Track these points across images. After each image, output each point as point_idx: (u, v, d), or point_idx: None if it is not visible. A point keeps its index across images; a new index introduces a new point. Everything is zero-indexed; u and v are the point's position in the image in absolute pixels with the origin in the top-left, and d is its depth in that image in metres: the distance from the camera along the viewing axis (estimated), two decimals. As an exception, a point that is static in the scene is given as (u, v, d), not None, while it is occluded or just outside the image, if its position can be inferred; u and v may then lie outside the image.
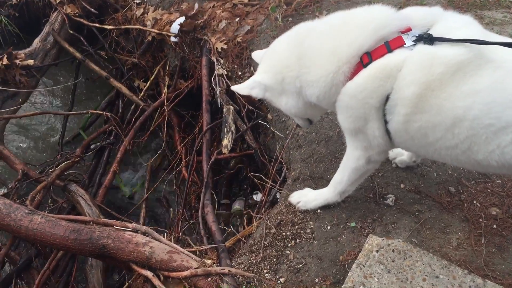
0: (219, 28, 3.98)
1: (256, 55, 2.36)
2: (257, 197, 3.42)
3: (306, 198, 2.48)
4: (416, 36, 1.74)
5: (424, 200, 2.47)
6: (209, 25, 4.06)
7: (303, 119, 2.33)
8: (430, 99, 1.70)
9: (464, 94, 1.64)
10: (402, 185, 2.55)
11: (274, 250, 2.35)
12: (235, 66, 3.71)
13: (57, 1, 4.59)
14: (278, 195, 2.99)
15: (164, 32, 4.16)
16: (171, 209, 3.77)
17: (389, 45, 1.76)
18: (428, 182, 2.55)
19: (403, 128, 1.83)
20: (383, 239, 2.08)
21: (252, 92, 2.18)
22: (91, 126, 4.84)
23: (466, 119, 1.66)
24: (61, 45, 4.53)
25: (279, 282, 2.20)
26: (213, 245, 2.57)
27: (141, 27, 4.35)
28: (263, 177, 3.13)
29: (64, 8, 4.56)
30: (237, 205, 3.46)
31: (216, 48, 3.81)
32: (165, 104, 4.06)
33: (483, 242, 2.25)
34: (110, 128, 4.32)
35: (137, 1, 4.59)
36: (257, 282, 2.21)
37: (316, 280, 2.18)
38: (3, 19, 5.04)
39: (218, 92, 3.60)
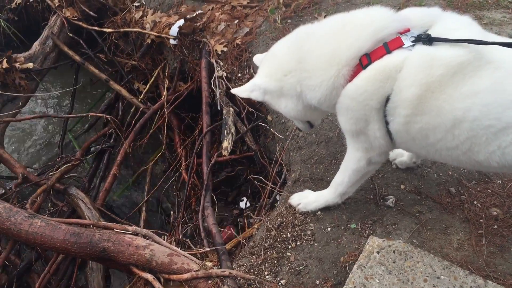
0: (218, 30, 3.98)
1: (256, 58, 2.36)
2: (243, 204, 3.43)
3: (306, 200, 2.48)
4: (415, 37, 1.74)
5: (424, 201, 2.47)
6: (208, 27, 4.07)
7: (303, 122, 2.33)
8: (430, 101, 1.70)
9: (464, 96, 1.64)
10: (402, 186, 2.54)
11: (274, 252, 2.34)
12: (235, 68, 3.71)
13: (56, 5, 4.59)
14: (278, 197, 2.98)
15: (163, 35, 4.16)
16: (172, 211, 3.76)
17: (388, 46, 1.76)
18: (428, 183, 2.55)
19: (404, 129, 1.83)
20: (383, 240, 2.08)
21: (252, 95, 2.18)
22: (90, 128, 4.83)
23: (466, 120, 1.66)
24: (60, 48, 4.54)
25: (280, 284, 2.20)
26: (214, 248, 2.56)
27: (140, 30, 4.35)
28: (263, 179, 3.12)
29: (63, 12, 4.56)
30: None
31: (216, 50, 3.81)
32: (165, 107, 4.06)
33: (484, 242, 2.24)
34: (110, 131, 4.32)
35: (136, 4, 4.60)
36: (258, 284, 2.21)
37: (317, 282, 2.18)
38: (2, 23, 5.05)
39: (217, 94, 3.60)
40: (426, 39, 1.71)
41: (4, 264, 3.39)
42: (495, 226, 2.31)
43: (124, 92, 4.41)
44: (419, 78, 1.69)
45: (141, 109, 4.20)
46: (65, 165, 3.73)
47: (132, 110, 4.49)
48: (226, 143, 3.32)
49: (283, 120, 3.19)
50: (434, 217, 2.38)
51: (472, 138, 1.68)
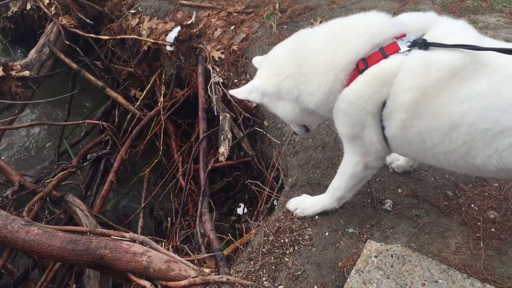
0: (214, 37, 3.99)
1: (255, 60, 2.37)
2: (240, 210, 3.42)
3: (303, 204, 2.48)
4: (411, 42, 1.74)
5: (422, 204, 2.47)
6: (204, 33, 4.08)
7: (300, 126, 2.33)
8: (427, 105, 1.70)
9: (461, 99, 1.65)
10: (399, 190, 2.54)
11: (272, 258, 2.33)
12: (231, 74, 3.71)
13: (53, 13, 4.59)
14: (275, 202, 2.98)
15: (159, 42, 4.16)
16: (169, 218, 3.75)
17: (384, 51, 1.76)
18: (425, 187, 2.55)
19: (400, 133, 1.83)
20: (381, 244, 2.07)
21: (250, 96, 2.19)
22: (87, 135, 4.82)
23: (463, 124, 1.66)
24: (57, 56, 4.54)
25: (278, 289, 2.19)
26: (211, 254, 2.55)
27: (136, 37, 4.36)
28: (260, 184, 3.12)
29: (60, 19, 4.56)
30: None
31: (212, 56, 3.82)
32: (162, 113, 4.06)
33: (481, 245, 2.24)
34: (106, 137, 4.32)
35: (132, 11, 4.61)
36: (255, 290, 2.20)
37: (315, 287, 2.17)
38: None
39: (214, 100, 3.61)
40: (422, 44, 1.71)
41: (1, 272, 3.37)
42: (493, 229, 2.31)
43: (120, 99, 4.41)
44: (415, 83, 1.70)
45: (137, 115, 4.20)
46: (62, 173, 3.73)
47: (128, 117, 4.48)
48: (223, 149, 3.32)
49: (279, 125, 3.19)
50: (431, 220, 2.38)
51: (470, 142, 1.68)
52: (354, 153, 2.09)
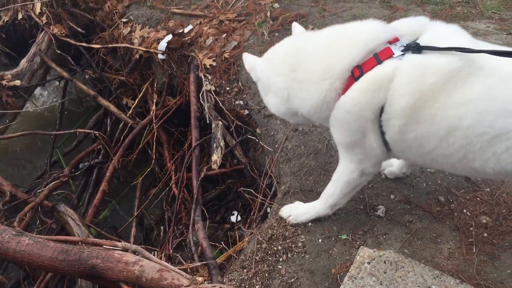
0: (206, 45, 4.00)
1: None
2: (234, 218, 3.41)
3: (296, 211, 2.47)
4: (404, 46, 1.75)
5: (414, 210, 2.47)
6: (196, 41, 4.08)
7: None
8: (424, 110, 1.71)
9: (457, 103, 1.65)
10: (392, 196, 2.54)
11: (265, 265, 2.32)
12: (223, 82, 3.72)
13: (44, 22, 4.59)
14: (269, 210, 2.97)
15: (151, 50, 4.16)
16: (162, 227, 3.73)
17: (378, 57, 1.77)
18: (417, 192, 2.55)
19: (399, 138, 1.83)
20: (374, 251, 2.07)
21: (251, 73, 2.22)
22: (79, 145, 4.79)
23: (460, 128, 1.66)
24: (48, 65, 4.53)
25: (271, 297, 2.18)
26: (204, 262, 2.54)
27: (128, 45, 4.35)
28: (253, 192, 3.11)
29: (51, 29, 4.55)
30: None
31: (204, 64, 3.82)
32: (154, 121, 4.05)
33: (474, 251, 2.24)
34: (98, 147, 4.30)
35: (124, 20, 4.61)
36: (249, 298, 2.19)
37: (309, 294, 2.16)
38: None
39: (206, 108, 3.60)
40: (415, 48, 1.71)
41: (-9, 284, 3.34)
42: (485, 234, 2.32)
43: (112, 107, 4.39)
44: (411, 87, 1.70)
45: (129, 124, 4.18)
46: (53, 182, 3.70)
47: (120, 125, 4.46)
48: (216, 157, 3.31)
49: (272, 133, 3.19)
50: (424, 226, 2.38)
51: (467, 145, 1.69)
52: (350, 161, 2.09)
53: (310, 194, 2.64)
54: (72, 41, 4.57)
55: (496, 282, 2.10)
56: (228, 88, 3.68)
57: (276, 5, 4.22)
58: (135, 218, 3.82)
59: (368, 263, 2.02)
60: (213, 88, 3.71)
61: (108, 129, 4.57)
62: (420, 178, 2.63)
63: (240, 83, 3.65)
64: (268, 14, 4.03)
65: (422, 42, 1.74)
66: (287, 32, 3.88)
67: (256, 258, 2.36)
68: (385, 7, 4.07)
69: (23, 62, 4.43)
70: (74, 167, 4.15)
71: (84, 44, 4.56)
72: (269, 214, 2.82)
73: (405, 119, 1.75)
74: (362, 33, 1.84)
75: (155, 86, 4.42)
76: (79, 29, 4.65)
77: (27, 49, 4.60)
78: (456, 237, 2.32)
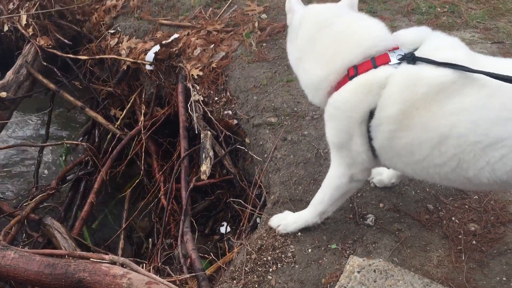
0: (194, 55, 4.00)
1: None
2: (224, 229, 3.38)
3: (286, 221, 2.46)
4: (402, 55, 1.77)
5: (403, 218, 2.47)
6: (184, 52, 4.08)
7: None
8: (415, 118, 1.72)
9: (449, 113, 1.66)
10: (381, 205, 2.55)
11: (255, 276, 2.30)
12: (211, 92, 3.71)
13: (30, 34, 4.57)
14: (258, 220, 2.95)
15: (139, 61, 4.16)
16: (150, 238, 3.69)
17: (375, 61, 1.79)
18: (406, 201, 2.56)
19: (389, 144, 1.84)
20: (364, 260, 2.06)
21: (288, 14, 2.20)
22: (66, 157, 4.75)
23: (452, 137, 1.67)
24: (34, 76, 4.50)
25: (261, 308, 2.16)
26: (193, 274, 2.51)
27: (115, 57, 4.34)
28: (243, 202, 3.09)
29: (37, 40, 4.53)
30: None
31: (192, 74, 3.82)
32: (142, 132, 4.02)
33: (463, 258, 2.25)
34: (86, 158, 4.26)
35: (111, 31, 4.60)
36: (239, 310, 2.16)
37: (299, 305, 2.14)
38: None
39: (195, 118, 3.59)
40: (410, 58, 1.74)
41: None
42: (474, 242, 2.32)
43: (100, 119, 4.36)
44: (403, 96, 1.72)
45: (117, 135, 4.16)
46: (40, 195, 3.65)
47: (109, 136, 4.43)
48: (205, 167, 3.29)
49: (261, 143, 3.19)
50: (413, 234, 2.38)
51: (460, 154, 1.69)
52: (340, 165, 2.11)
53: (300, 203, 2.64)
54: (59, 53, 4.55)
55: (486, 290, 2.10)
56: (216, 98, 3.68)
57: (263, 15, 4.24)
58: (123, 231, 3.78)
59: (358, 272, 2.01)
60: (202, 98, 3.70)
61: (96, 140, 4.53)
62: (409, 186, 2.64)
63: (228, 93, 3.65)
64: (256, 24, 4.05)
65: (420, 52, 1.76)
66: (275, 42, 3.90)
67: (246, 269, 2.34)
68: (372, 17, 4.10)
69: (9, 74, 4.40)
70: (62, 179, 4.10)
71: (71, 56, 4.54)
72: (258, 225, 2.81)
73: (395, 125, 1.77)
74: (367, 39, 1.86)
75: (143, 96, 4.40)
76: (66, 41, 4.64)
77: (13, 61, 4.57)
78: (445, 245, 2.33)
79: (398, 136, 1.79)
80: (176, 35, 4.18)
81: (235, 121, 3.48)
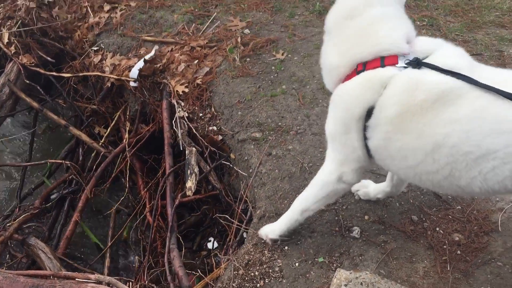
0: (178, 71, 4.01)
1: None
2: (211, 244, 3.37)
3: (272, 227, 2.48)
4: (410, 60, 1.80)
5: (388, 230, 2.49)
6: (168, 68, 4.09)
7: None
8: (411, 123, 1.75)
9: (444, 122, 1.69)
10: (366, 217, 2.56)
11: (243, 292, 2.30)
12: (196, 108, 3.72)
13: (13, 52, 4.53)
14: (245, 235, 2.95)
15: (123, 78, 4.15)
16: (136, 256, 3.65)
17: (384, 61, 1.83)
18: (391, 212, 2.58)
19: (384, 145, 1.87)
20: (351, 273, 2.07)
21: None
22: (50, 176, 4.69)
23: (446, 146, 1.70)
24: (17, 95, 4.47)
25: (249, 325, 2.15)
26: (181, 291, 2.49)
27: (99, 74, 4.33)
28: (229, 218, 3.09)
29: (20, 58, 4.50)
30: None
31: (176, 91, 3.83)
32: (127, 150, 4.00)
33: (449, 268, 2.27)
34: (70, 177, 4.21)
35: (95, 48, 4.59)
36: (227, 327, 2.15)
37: (287, 320, 2.14)
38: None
39: (179, 134, 3.59)
40: (415, 63, 1.77)
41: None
42: (459, 252, 2.35)
43: (84, 137, 4.33)
44: (402, 98, 1.76)
45: (102, 153, 4.13)
46: (24, 215, 3.60)
47: (93, 154, 4.40)
48: (190, 183, 3.29)
49: (246, 158, 3.20)
50: (399, 245, 2.40)
51: (452, 163, 1.71)
52: (332, 161, 2.13)
53: (286, 217, 2.64)
54: (42, 71, 4.53)
55: (471, 299, 2.12)
56: (201, 114, 3.68)
57: (246, 30, 4.28)
58: (109, 249, 3.74)
59: (345, 285, 2.02)
60: (186, 115, 3.71)
61: (80, 158, 4.48)
62: (393, 198, 2.66)
63: (213, 109, 3.66)
64: (239, 39, 4.09)
65: (429, 60, 1.79)
66: (258, 57, 3.94)
67: (233, 285, 2.34)
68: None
69: (-9, 93, 4.36)
70: (45, 198, 4.05)
71: (54, 74, 4.52)
72: (245, 240, 2.80)
73: (392, 127, 1.80)
74: (383, 43, 1.87)
75: (128, 114, 4.39)
76: (49, 58, 4.61)
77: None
78: (431, 255, 2.35)
79: (394, 139, 1.82)
80: (156, 47, 4.19)
81: (220, 137, 3.49)
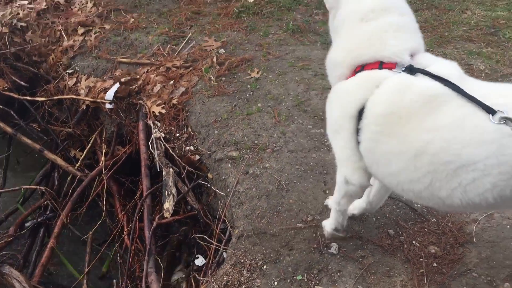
0: (154, 92, 4.01)
1: None
2: (199, 261, 3.33)
3: (327, 221, 2.51)
4: (405, 67, 1.83)
5: (366, 245, 2.50)
6: (144, 89, 4.09)
7: None
8: (397, 126, 1.77)
9: (428, 128, 1.69)
10: (344, 232, 2.57)
11: (222, 314, 2.27)
12: (172, 128, 3.71)
13: (-15, 78, 4.49)
14: (225, 255, 2.92)
15: (98, 100, 4.13)
16: (114, 281, 3.58)
17: (382, 65, 1.86)
18: (368, 227, 2.59)
19: (371, 147, 1.89)
20: (329, 290, 2.07)
21: None
22: (25, 202, 4.59)
23: (427, 154, 1.69)
24: (-10, 120, 4.40)
25: None
26: (159, 316, 2.45)
27: (74, 97, 4.30)
28: (207, 238, 3.06)
29: (-7, 84, 4.46)
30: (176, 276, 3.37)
31: (152, 111, 3.82)
32: (104, 172, 3.96)
33: (426, 281, 2.28)
34: (45, 202, 4.13)
35: (69, 71, 4.57)
36: None
37: None
38: None
39: (156, 155, 3.57)
40: (408, 68, 1.80)
41: None
42: (435, 264, 2.37)
43: (59, 161, 4.27)
44: (391, 98, 1.78)
45: (78, 177, 4.07)
46: (-3, 243, 3.52)
47: (69, 178, 4.32)
48: (168, 205, 3.26)
49: (223, 177, 3.19)
50: (376, 260, 2.41)
51: (433, 172, 1.70)
52: (338, 162, 2.17)
53: (264, 236, 2.63)
54: (15, 95, 4.49)
55: (449, 311, 2.13)
56: (178, 134, 3.67)
57: (221, 50, 4.32)
58: (86, 275, 3.65)
59: (323, 303, 2.01)
60: (163, 135, 3.69)
61: (56, 183, 4.41)
62: (370, 213, 2.68)
63: (189, 129, 3.65)
64: (215, 59, 4.11)
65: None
66: (234, 76, 3.96)
67: (212, 307, 2.31)
68: (326, 48, 4.20)
69: (-37, 119, 4.29)
70: (20, 226, 3.96)
71: (28, 98, 4.48)
72: (225, 260, 2.78)
73: (379, 127, 1.82)
74: (386, 51, 1.88)
75: (104, 136, 4.35)
76: (23, 83, 4.60)
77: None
78: (408, 269, 2.36)
79: (380, 141, 1.83)
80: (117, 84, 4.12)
81: (197, 157, 3.48)
